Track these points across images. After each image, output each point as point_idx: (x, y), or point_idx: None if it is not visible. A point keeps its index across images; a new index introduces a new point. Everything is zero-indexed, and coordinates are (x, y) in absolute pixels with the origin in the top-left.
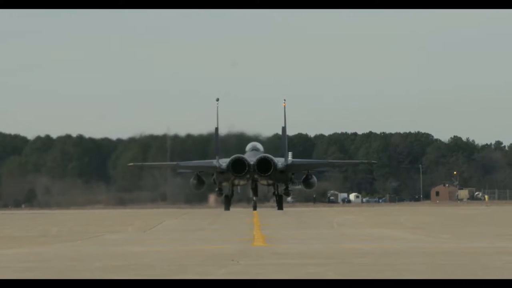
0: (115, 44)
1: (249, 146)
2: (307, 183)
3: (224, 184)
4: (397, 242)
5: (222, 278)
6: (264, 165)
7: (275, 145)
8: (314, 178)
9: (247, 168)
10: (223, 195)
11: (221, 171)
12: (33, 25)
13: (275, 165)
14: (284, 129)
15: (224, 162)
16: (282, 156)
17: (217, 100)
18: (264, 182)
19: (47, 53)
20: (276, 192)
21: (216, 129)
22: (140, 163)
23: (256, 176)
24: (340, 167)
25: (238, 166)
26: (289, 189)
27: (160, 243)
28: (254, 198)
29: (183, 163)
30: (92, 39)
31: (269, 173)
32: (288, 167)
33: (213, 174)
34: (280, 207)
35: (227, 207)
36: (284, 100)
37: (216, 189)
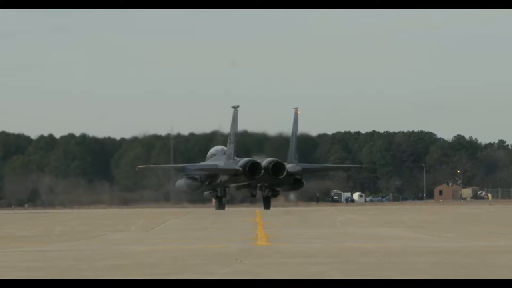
0: (118, 43)
1: (217, 149)
2: (298, 185)
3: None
4: (400, 241)
5: (226, 277)
6: (278, 168)
7: (279, 144)
8: (303, 181)
9: (262, 171)
10: (217, 196)
11: (235, 174)
12: (33, 25)
13: (286, 168)
14: (295, 134)
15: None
16: (286, 158)
17: (237, 107)
18: (256, 183)
19: (49, 53)
20: (263, 193)
21: (235, 133)
22: (154, 165)
23: (268, 178)
24: (336, 170)
25: (254, 169)
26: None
27: (163, 243)
28: (223, 198)
29: (191, 165)
30: (94, 38)
31: (282, 176)
32: (304, 170)
33: (216, 176)
34: (267, 207)
35: (221, 207)
36: (297, 108)
37: (210, 190)
